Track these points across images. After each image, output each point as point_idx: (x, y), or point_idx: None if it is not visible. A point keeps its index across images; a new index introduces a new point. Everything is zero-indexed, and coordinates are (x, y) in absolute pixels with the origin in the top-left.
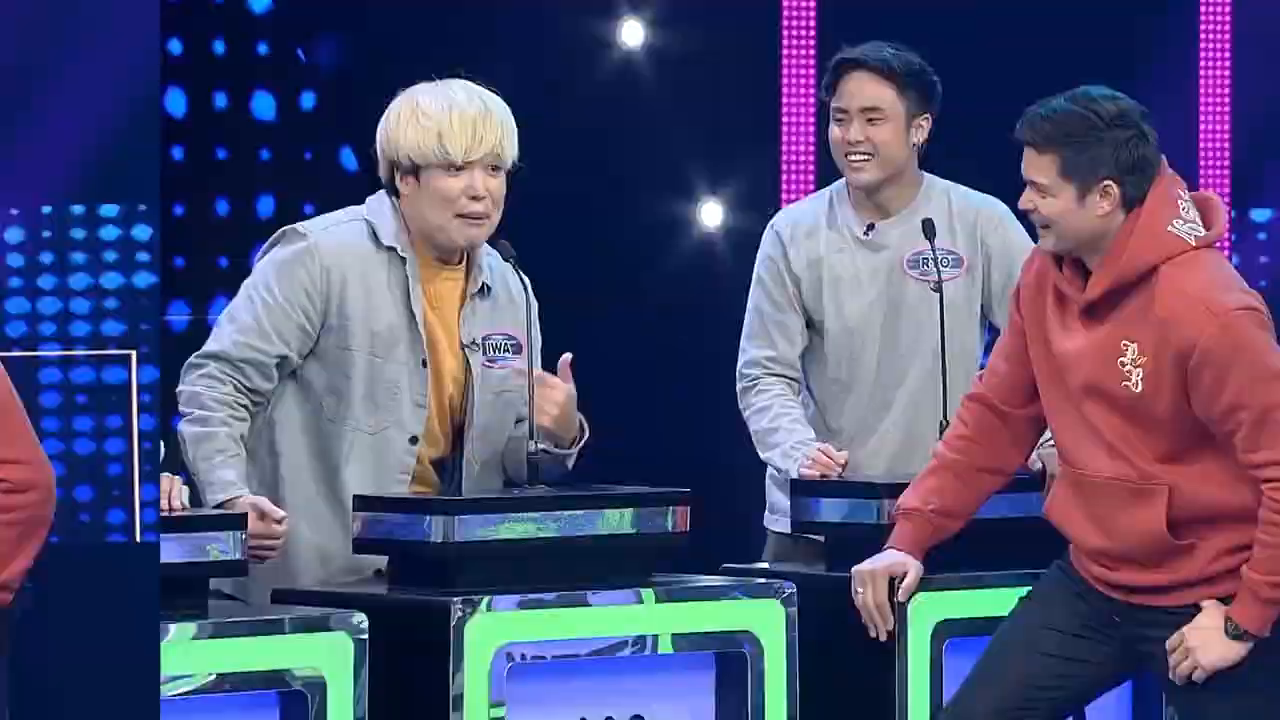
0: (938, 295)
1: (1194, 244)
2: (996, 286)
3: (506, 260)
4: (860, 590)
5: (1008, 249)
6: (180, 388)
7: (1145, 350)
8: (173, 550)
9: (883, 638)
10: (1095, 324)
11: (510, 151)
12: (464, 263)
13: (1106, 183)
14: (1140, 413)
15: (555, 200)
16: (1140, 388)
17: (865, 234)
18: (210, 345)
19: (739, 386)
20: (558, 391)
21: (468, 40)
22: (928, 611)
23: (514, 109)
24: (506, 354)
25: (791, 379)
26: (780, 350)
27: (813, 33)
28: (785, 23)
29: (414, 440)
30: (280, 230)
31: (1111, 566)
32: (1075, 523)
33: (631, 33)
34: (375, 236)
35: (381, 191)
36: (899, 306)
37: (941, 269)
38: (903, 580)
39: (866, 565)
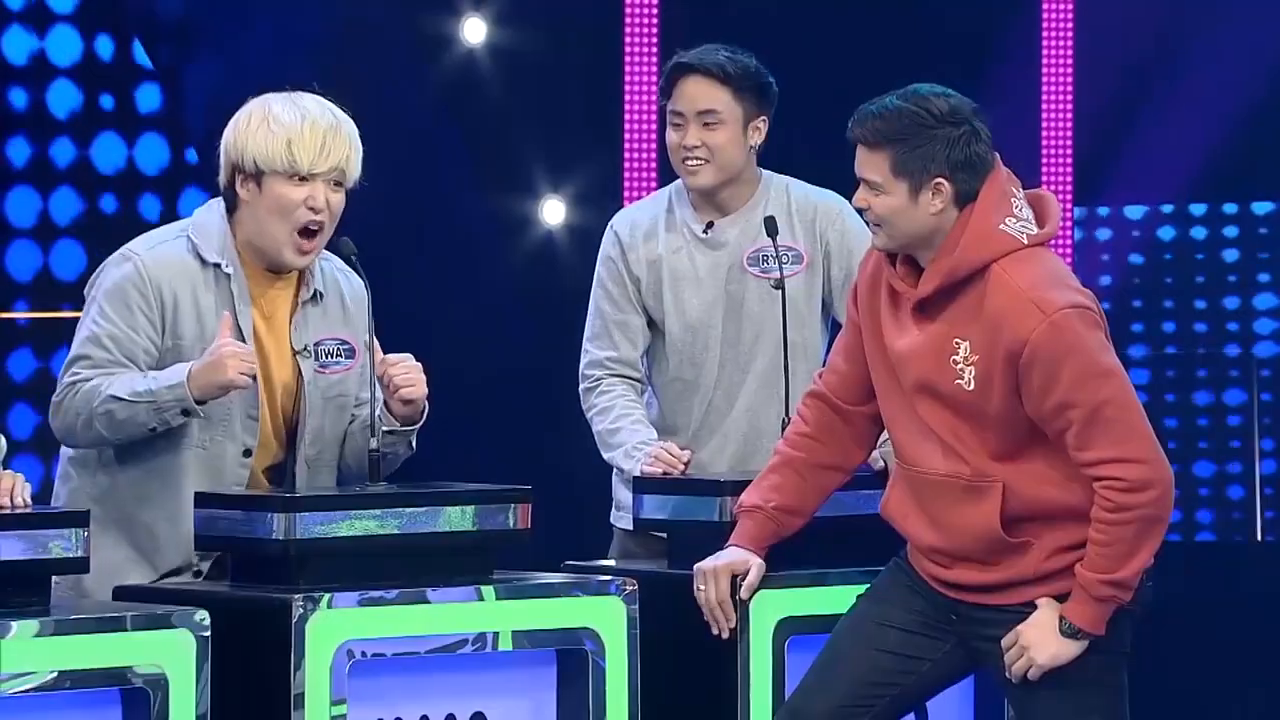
0: (779, 292)
1: (1026, 242)
2: (837, 281)
3: (348, 256)
4: (702, 587)
5: (847, 242)
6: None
7: (977, 349)
8: (14, 547)
9: (725, 635)
10: (927, 322)
11: (355, 170)
12: (294, 271)
13: (938, 180)
14: (973, 411)
15: (395, 197)
16: (972, 386)
17: (704, 232)
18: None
19: (582, 387)
20: (411, 366)
21: (307, 35)
22: (770, 609)
23: (355, 105)
24: (339, 359)
25: (634, 379)
26: (622, 351)
27: (655, 29)
28: (628, 20)
29: (248, 453)
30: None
31: (947, 565)
32: (911, 521)
33: (474, 30)
34: (199, 254)
35: (211, 201)
36: (740, 304)
37: (782, 265)
38: (745, 578)
39: (708, 562)
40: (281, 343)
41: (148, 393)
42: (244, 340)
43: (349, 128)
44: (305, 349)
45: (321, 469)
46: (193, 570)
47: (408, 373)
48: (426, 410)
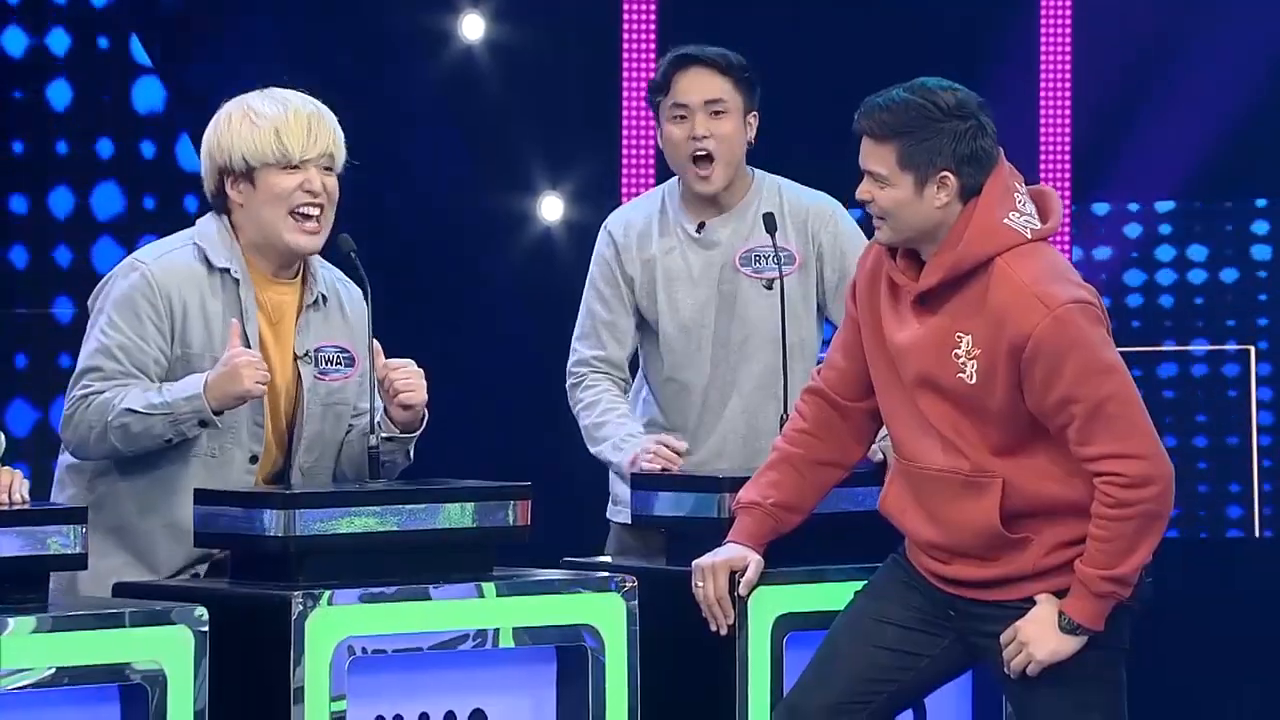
0: (772, 292)
1: (1029, 236)
2: (830, 282)
3: (346, 253)
4: (700, 584)
5: (840, 244)
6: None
7: (979, 343)
8: (13, 544)
9: (723, 631)
10: (928, 315)
11: (342, 153)
12: (299, 275)
13: (944, 173)
14: (974, 405)
15: (393, 194)
16: (974, 380)
17: (697, 232)
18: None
19: (568, 384)
20: (412, 372)
21: (305, 32)
22: (768, 605)
23: (353, 101)
24: (339, 366)
25: (619, 379)
26: (609, 351)
27: (653, 26)
28: (626, 17)
29: (254, 459)
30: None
31: (945, 560)
32: (909, 516)
33: (472, 27)
34: (207, 260)
35: (210, 214)
36: (732, 304)
37: (773, 265)
38: (743, 574)
39: (706, 559)
40: (285, 348)
41: (164, 405)
42: (250, 346)
43: (329, 113)
44: (307, 354)
45: (317, 476)
46: (190, 574)
47: (408, 378)
48: (426, 418)
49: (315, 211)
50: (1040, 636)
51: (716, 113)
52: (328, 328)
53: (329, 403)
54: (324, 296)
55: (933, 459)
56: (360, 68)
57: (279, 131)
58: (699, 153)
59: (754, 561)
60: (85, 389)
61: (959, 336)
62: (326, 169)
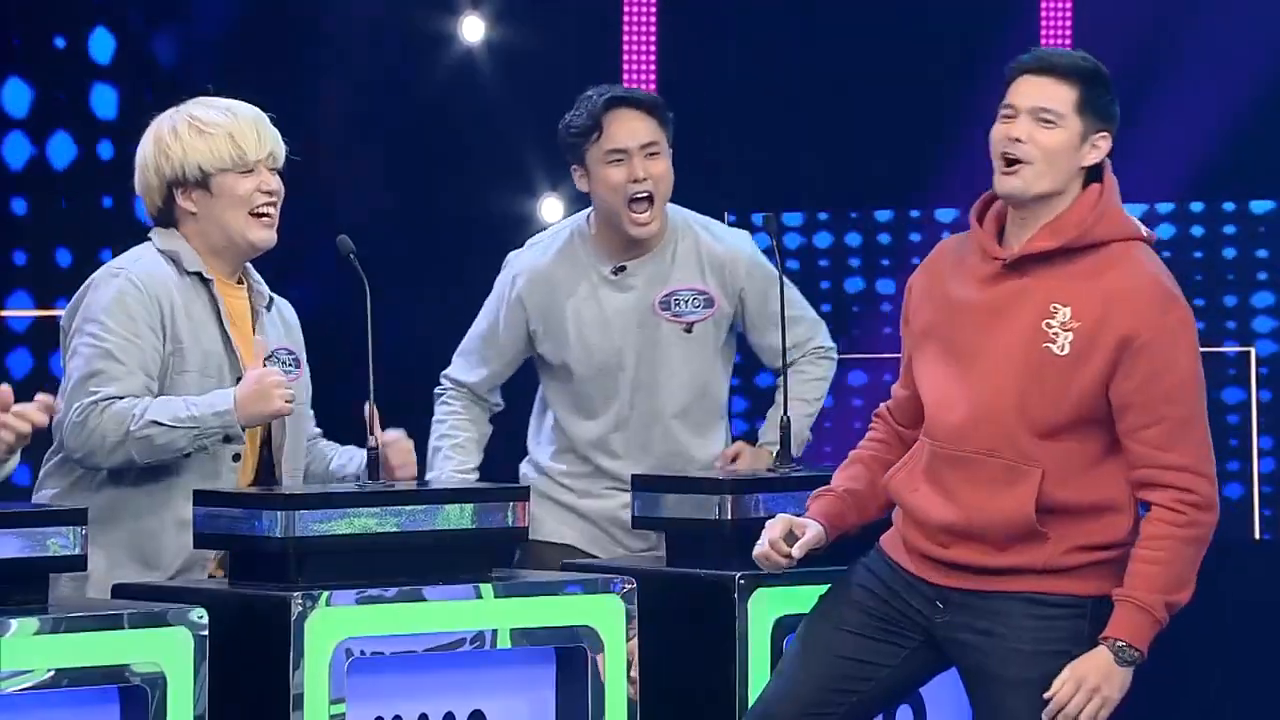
0: (690, 336)
1: (1144, 235)
2: (752, 311)
3: (346, 255)
4: (765, 531)
5: (757, 275)
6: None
7: (1079, 316)
8: (12, 545)
9: (778, 568)
10: (1016, 280)
11: (283, 150)
12: (241, 281)
13: (1104, 133)
14: (1052, 376)
15: (394, 196)
16: (1065, 351)
17: (613, 274)
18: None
19: (436, 389)
20: (405, 449)
21: (306, 32)
22: (768, 606)
23: (354, 104)
24: (291, 368)
25: (479, 404)
26: (479, 381)
27: (653, 26)
28: (626, 18)
29: (236, 458)
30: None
31: (947, 544)
32: (921, 495)
33: (472, 29)
34: (177, 265)
35: (156, 231)
36: (652, 348)
37: (693, 309)
38: (803, 536)
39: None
40: (246, 350)
41: (190, 419)
42: (231, 343)
43: (264, 115)
44: (273, 354)
45: (296, 478)
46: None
47: (402, 454)
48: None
49: (273, 210)
50: (1106, 674)
51: (651, 154)
52: (276, 331)
53: (296, 403)
54: (273, 299)
55: (973, 441)
56: (360, 69)
57: (233, 136)
58: (639, 194)
59: (815, 529)
60: (94, 395)
61: (1055, 307)
62: (272, 168)
